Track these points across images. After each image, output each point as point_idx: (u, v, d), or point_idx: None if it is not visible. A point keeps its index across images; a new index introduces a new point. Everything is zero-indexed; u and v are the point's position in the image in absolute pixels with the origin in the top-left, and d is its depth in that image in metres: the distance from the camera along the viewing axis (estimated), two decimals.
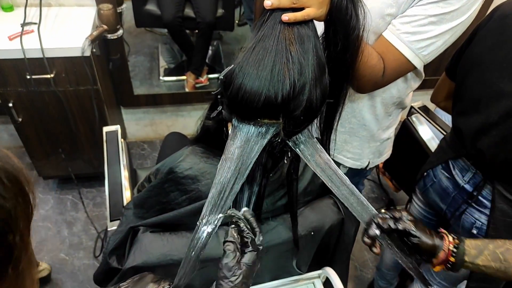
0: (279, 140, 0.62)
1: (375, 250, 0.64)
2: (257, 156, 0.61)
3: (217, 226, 0.62)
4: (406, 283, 1.75)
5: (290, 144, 0.64)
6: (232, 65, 0.60)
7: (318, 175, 0.67)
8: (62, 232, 1.90)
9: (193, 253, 0.62)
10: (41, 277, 1.67)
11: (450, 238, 0.66)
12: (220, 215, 0.62)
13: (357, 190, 0.68)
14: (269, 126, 0.60)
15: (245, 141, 0.60)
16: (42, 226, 1.90)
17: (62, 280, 1.73)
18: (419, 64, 0.86)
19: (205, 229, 0.62)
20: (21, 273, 0.36)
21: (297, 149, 0.65)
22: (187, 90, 2.39)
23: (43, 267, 1.67)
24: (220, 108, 0.66)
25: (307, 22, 0.61)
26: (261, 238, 0.63)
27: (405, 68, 0.87)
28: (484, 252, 0.65)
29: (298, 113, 0.58)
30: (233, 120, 0.62)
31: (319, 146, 0.67)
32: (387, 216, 0.65)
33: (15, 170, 0.35)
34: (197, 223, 0.63)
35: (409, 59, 0.84)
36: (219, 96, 0.65)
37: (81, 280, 1.73)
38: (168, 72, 2.52)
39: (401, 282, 1.73)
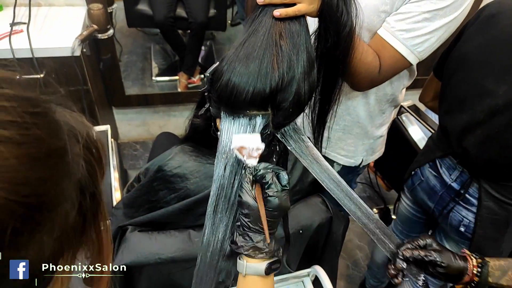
0: (269, 132, 0.62)
1: (396, 281, 0.66)
2: None
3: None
4: None
5: (278, 136, 0.65)
6: (218, 62, 0.60)
7: (306, 166, 0.67)
8: None
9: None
10: None
11: (474, 262, 0.68)
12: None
13: (342, 180, 0.69)
14: (258, 117, 0.60)
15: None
16: None
17: None
18: (414, 61, 0.87)
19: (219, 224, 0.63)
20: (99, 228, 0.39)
21: (285, 141, 0.66)
22: (179, 90, 2.38)
23: None
24: (207, 105, 0.66)
25: (299, 18, 0.61)
26: (286, 177, 0.59)
27: (401, 65, 0.88)
28: (508, 273, 0.68)
29: (286, 105, 0.59)
30: (222, 114, 0.62)
31: (305, 138, 0.67)
32: (413, 246, 0.66)
33: (90, 129, 0.37)
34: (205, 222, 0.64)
35: (405, 56, 0.85)
36: (206, 93, 0.65)
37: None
38: (161, 72, 2.51)
39: None
